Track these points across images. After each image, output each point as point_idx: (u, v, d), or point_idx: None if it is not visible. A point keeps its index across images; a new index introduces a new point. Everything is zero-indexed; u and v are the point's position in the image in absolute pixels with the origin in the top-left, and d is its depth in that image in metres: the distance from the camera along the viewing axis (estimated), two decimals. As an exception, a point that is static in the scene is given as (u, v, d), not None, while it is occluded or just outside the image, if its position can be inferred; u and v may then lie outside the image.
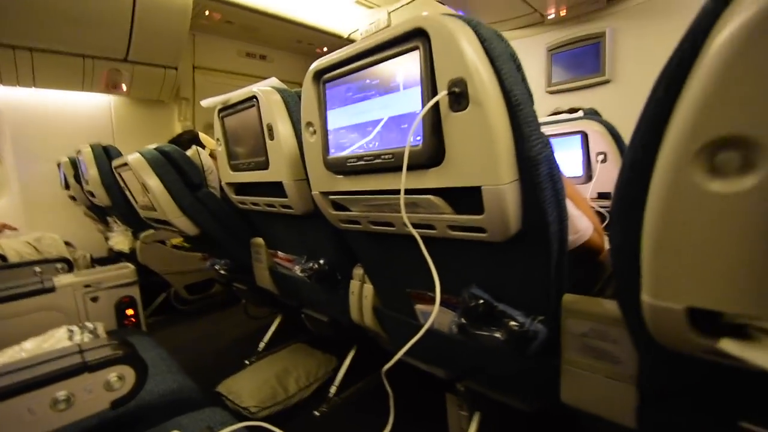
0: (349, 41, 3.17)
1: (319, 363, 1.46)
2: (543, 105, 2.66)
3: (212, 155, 1.50)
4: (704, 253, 0.27)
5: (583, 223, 0.74)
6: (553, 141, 1.29)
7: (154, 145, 1.31)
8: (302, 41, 3.04)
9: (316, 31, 2.91)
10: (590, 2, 2.35)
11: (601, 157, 1.21)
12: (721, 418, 0.46)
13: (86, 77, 2.34)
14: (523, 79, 0.54)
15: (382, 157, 0.61)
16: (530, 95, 0.53)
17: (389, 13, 2.79)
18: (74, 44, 2.19)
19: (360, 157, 0.65)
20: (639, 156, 0.30)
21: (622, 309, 0.49)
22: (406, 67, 0.56)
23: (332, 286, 1.08)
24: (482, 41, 0.51)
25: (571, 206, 0.73)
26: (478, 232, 0.60)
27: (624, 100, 2.34)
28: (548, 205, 0.57)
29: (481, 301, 0.69)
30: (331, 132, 0.70)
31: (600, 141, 1.20)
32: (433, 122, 0.54)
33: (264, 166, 0.98)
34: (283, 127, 0.92)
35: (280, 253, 1.23)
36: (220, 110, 1.10)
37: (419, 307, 0.87)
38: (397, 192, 0.58)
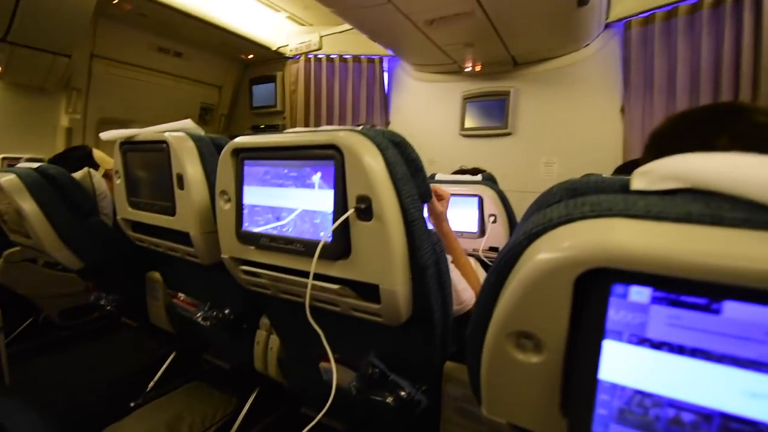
0: (278, 54, 3.10)
1: (217, 406, 1.39)
2: (457, 146, 2.94)
3: (107, 175, 1.36)
4: (515, 394, 0.38)
5: (467, 295, 0.87)
6: (456, 199, 1.46)
7: (35, 165, 1.14)
8: (226, 45, 2.89)
9: (243, 38, 2.80)
10: (500, 63, 2.68)
11: (492, 218, 1.41)
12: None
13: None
14: (420, 172, 0.64)
15: (295, 244, 0.65)
16: (422, 212, 0.62)
17: (321, 37, 2.82)
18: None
19: (273, 238, 0.68)
20: (479, 323, 0.40)
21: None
22: (322, 171, 0.61)
23: (236, 334, 1.06)
24: (387, 164, 0.58)
25: (458, 280, 0.85)
26: (376, 316, 0.67)
27: (521, 152, 2.72)
28: (434, 298, 0.67)
29: (377, 370, 0.77)
30: (246, 206, 0.71)
31: (492, 205, 1.40)
32: (343, 225, 0.60)
33: (170, 212, 0.94)
34: (195, 178, 0.89)
35: (180, 294, 1.16)
36: (123, 143, 1.02)
37: (323, 365, 0.92)
38: (306, 274, 0.63)
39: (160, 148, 0.91)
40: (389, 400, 0.77)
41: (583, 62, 2.49)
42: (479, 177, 1.50)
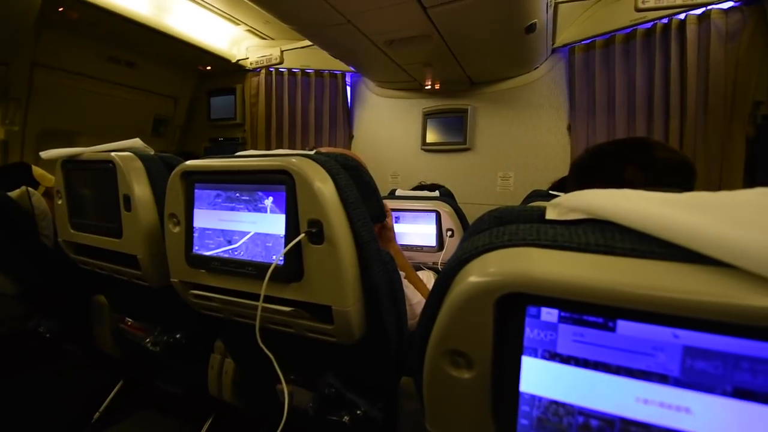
0: (238, 67, 3.07)
1: (170, 434, 1.32)
2: (419, 160, 3.02)
3: (48, 193, 1.28)
4: (452, 408, 0.41)
5: (421, 309, 0.90)
6: (415, 215, 1.50)
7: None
8: (182, 56, 2.81)
9: (200, 49, 2.74)
10: (458, 83, 2.80)
11: (449, 232, 1.46)
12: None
13: None
14: (373, 195, 0.66)
15: (247, 267, 0.65)
16: (373, 233, 0.64)
17: (282, 51, 2.82)
18: None
19: (225, 262, 0.67)
20: (421, 342, 0.43)
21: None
22: (274, 196, 0.62)
23: (189, 359, 1.03)
24: (338, 189, 0.60)
25: (412, 294, 0.88)
26: (330, 336, 0.68)
27: (479, 166, 2.84)
28: (388, 316, 0.69)
29: (333, 390, 0.77)
30: (196, 229, 0.71)
31: (449, 220, 1.45)
32: (295, 248, 0.61)
33: (116, 234, 0.90)
34: (143, 199, 0.87)
35: (128, 319, 1.11)
36: (66, 162, 0.97)
37: (280, 387, 0.91)
38: (258, 297, 0.63)
39: (105, 168, 0.88)
40: (346, 419, 0.77)
41: (533, 83, 2.67)
42: (437, 193, 1.56)
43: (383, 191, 1.94)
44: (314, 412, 0.80)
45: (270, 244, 0.63)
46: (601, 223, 0.35)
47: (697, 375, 0.30)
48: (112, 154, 0.88)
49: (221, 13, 2.57)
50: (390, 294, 0.68)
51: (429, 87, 2.80)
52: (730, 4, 1.94)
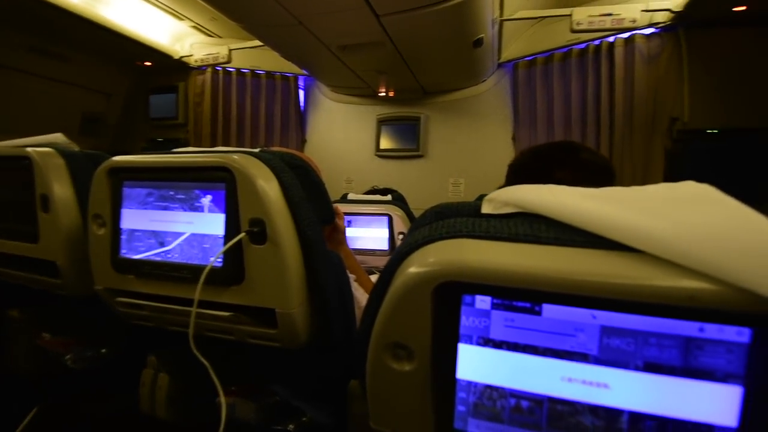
0: (182, 64, 2.90)
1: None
2: (373, 166, 3.04)
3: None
4: (395, 403, 0.41)
5: (372, 311, 0.89)
6: (368, 219, 1.50)
7: None
8: (118, 49, 2.60)
9: (138, 43, 2.55)
10: (411, 91, 2.87)
11: (401, 236, 1.48)
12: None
13: None
14: (322, 196, 0.65)
15: (181, 271, 0.61)
16: (321, 234, 0.63)
17: (230, 50, 2.72)
18: None
19: (157, 265, 0.62)
20: (363, 338, 0.42)
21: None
22: (213, 195, 0.59)
23: (117, 376, 0.94)
24: (283, 187, 0.59)
25: (362, 296, 0.87)
26: (274, 341, 0.66)
27: (431, 172, 2.92)
28: (336, 318, 0.68)
29: (277, 398, 0.74)
30: (124, 231, 0.65)
31: (400, 223, 1.47)
32: (235, 249, 0.58)
33: (31, 238, 0.81)
34: (63, 200, 0.78)
35: (46, 335, 0.99)
36: (-32, 157, 0.85)
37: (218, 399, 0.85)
38: (192, 303, 0.59)
39: (20, 165, 0.79)
40: (291, 427, 0.74)
41: (481, 95, 2.81)
42: (389, 197, 1.58)
43: (338, 196, 1.93)
44: (257, 424, 0.76)
45: (207, 246, 0.60)
46: (531, 215, 0.37)
47: (613, 352, 0.32)
48: (29, 149, 0.79)
49: (163, 6, 2.43)
50: (338, 295, 0.67)
51: (383, 94, 2.84)
52: (652, 30, 2.18)
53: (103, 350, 0.88)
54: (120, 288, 0.68)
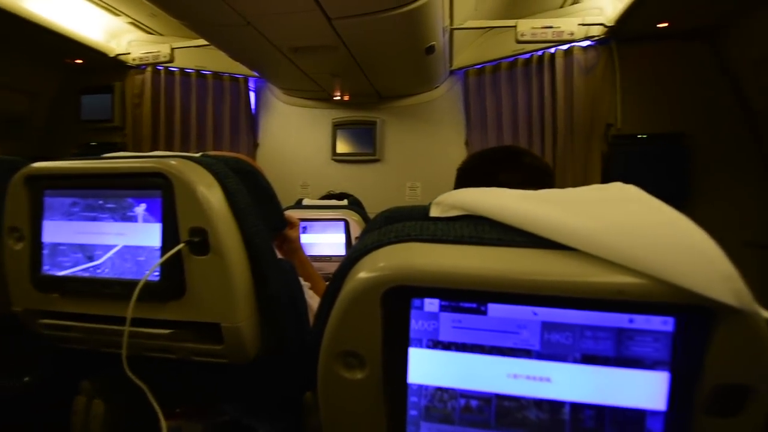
0: (118, 62, 2.69)
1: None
2: (329, 171, 3.00)
3: None
4: (348, 413, 0.40)
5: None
6: (324, 224, 1.48)
7: None
8: (44, 45, 2.35)
9: (67, 39, 2.32)
10: (366, 95, 2.88)
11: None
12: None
13: None
14: (271, 201, 0.62)
15: (113, 287, 0.55)
16: (269, 243, 0.61)
17: (173, 49, 2.57)
18: None
19: (85, 282, 0.57)
20: (314, 349, 0.41)
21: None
22: (147, 203, 0.54)
23: (44, 407, 0.84)
24: (227, 194, 0.56)
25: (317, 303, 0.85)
26: (220, 357, 0.62)
27: (388, 176, 2.94)
28: (289, 328, 0.65)
29: (227, 417, 0.70)
30: (46, 245, 0.58)
31: (357, 228, 1.47)
32: (174, 260, 0.54)
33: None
34: (-26, 212, 0.69)
35: (-47, 366, 0.86)
36: None
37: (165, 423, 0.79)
38: (131, 321, 0.54)
39: None
40: (244, 446, 0.71)
41: (435, 101, 2.88)
42: (345, 202, 1.56)
43: (293, 201, 1.88)
44: (207, 445, 0.71)
45: (143, 258, 0.55)
46: (476, 218, 0.38)
47: (553, 347, 0.33)
48: None
49: (96, 0, 2.25)
50: (291, 305, 0.65)
51: (338, 98, 2.82)
52: (588, 43, 2.36)
53: (26, 379, 0.79)
54: (43, 308, 0.61)
